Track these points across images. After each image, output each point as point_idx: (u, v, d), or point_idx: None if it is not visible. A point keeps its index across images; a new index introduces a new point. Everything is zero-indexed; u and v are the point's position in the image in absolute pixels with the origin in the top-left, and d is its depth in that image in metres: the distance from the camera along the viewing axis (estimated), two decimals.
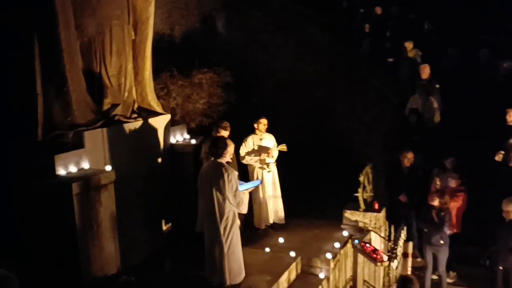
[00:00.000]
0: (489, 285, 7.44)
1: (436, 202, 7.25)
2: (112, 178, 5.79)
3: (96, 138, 6.07)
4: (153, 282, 5.95)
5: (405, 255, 6.88)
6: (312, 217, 8.18)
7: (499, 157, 7.91)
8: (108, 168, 5.95)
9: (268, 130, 7.69)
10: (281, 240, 7.30)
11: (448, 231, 7.36)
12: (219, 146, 5.81)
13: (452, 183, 7.71)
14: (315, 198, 8.89)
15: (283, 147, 7.62)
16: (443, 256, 7.45)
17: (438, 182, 7.62)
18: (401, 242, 7.30)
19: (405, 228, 7.38)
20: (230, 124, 7.07)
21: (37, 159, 5.55)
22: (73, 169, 5.70)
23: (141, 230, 6.70)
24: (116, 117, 6.50)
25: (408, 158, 8.06)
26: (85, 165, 5.85)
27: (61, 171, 5.56)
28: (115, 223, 5.83)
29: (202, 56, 10.15)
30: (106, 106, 6.41)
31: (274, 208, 7.71)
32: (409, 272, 6.87)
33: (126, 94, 6.70)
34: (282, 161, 7.84)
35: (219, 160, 5.78)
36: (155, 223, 7.08)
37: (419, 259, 7.99)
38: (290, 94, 11.10)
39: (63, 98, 5.87)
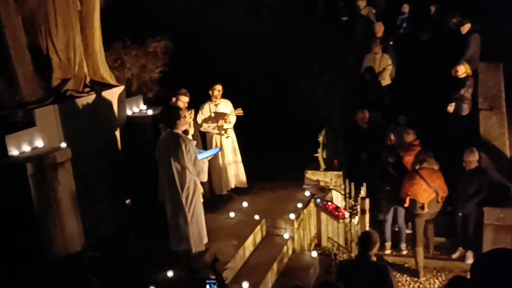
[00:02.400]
0: (448, 232, 7.80)
1: (391, 159, 7.46)
2: (68, 155, 5.69)
3: (48, 115, 5.91)
4: (119, 255, 5.96)
5: (362, 211, 7.10)
6: (275, 180, 8.30)
7: (450, 107, 8.15)
8: (64, 145, 5.83)
9: (228, 95, 7.65)
10: (245, 204, 7.40)
11: None
12: (172, 116, 5.77)
13: (408, 138, 7.90)
14: (276, 160, 8.99)
15: (239, 112, 7.61)
16: (402, 208, 7.73)
17: (392, 138, 7.79)
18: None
19: (364, 184, 7.57)
20: (189, 91, 6.99)
21: None
22: (26, 149, 5.57)
23: (104, 205, 6.66)
24: (68, 93, 6.31)
25: (364, 116, 8.17)
26: (39, 143, 5.72)
27: (13, 152, 5.43)
28: (76, 200, 5.78)
29: (156, 23, 9.88)
30: (56, 82, 6.21)
31: (235, 173, 7.77)
32: (367, 228, 7.11)
33: (76, 68, 6.49)
34: (243, 126, 7.85)
35: (175, 131, 5.74)
36: (117, 197, 7.04)
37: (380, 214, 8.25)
38: (249, 58, 11.00)
39: (9, 76, 5.67)
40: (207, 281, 4.69)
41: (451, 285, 3.17)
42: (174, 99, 6.89)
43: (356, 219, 7.12)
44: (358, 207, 7.15)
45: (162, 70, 9.50)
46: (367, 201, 7.08)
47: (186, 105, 6.83)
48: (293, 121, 10.07)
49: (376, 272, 4.74)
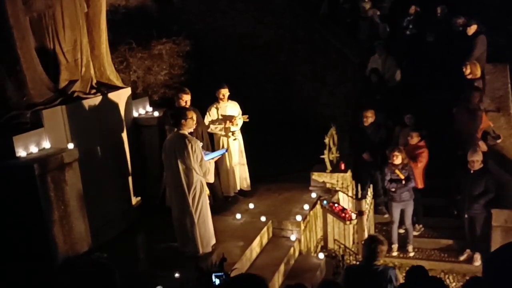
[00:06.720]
0: (455, 234, 7.78)
1: (397, 160, 7.44)
2: (76, 156, 5.68)
3: (56, 116, 5.91)
4: (126, 256, 5.95)
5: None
6: (281, 181, 8.29)
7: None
8: (71, 146, 5.83)
9: (232, 97, 7.64)
10: (251, 205, 7.38)
11: (412, 185, 7.59)
12: (177, 116, 5.77)
13: (412, 141, 7.86)
14: (282, 162, 8.98)
15: (245, 118, 7.60)
16: (410, 210, 7.70)
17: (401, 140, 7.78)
18: (368, 200, 7.49)
19: (371, 186, 7.55)
20: (194, 93, 6.99)
21: None
22: (34, 149, 5.56)
23: (111, 206, 6.65)
24: (75, 94, 6.32)
25: (370, 117, 8.16)
26: (46, 144, 5.72)
27: (21, 153, 5.42)
28: (83, 201, 5.76)
29: (161, 26, 9.91)
30: (63, 83, 6.22)
31: (241, 175, 7.76)
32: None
33: (83, 70, 6.50)
34: (248, 127, 7.84)
35: (182, 131, 5.74)
36: (124, 198, 7.04)
37: (386, 215, 8.24)
38: (252, 60, 11.04)
39: (17, 77, 5.66)
40: (214, 274, 4.61)
41: (468, 286, 3.12)
42: (176, 100, 6.92)
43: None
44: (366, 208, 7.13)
45: (167, 72, 9.53)
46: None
47: (189, 103, 6.84)
48: (296, 122, 10.08)
49: (384, 276, 4.71)
